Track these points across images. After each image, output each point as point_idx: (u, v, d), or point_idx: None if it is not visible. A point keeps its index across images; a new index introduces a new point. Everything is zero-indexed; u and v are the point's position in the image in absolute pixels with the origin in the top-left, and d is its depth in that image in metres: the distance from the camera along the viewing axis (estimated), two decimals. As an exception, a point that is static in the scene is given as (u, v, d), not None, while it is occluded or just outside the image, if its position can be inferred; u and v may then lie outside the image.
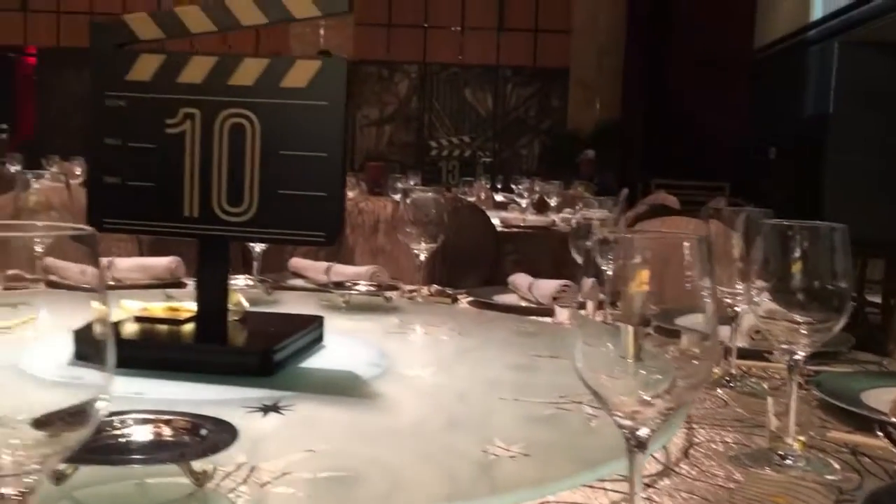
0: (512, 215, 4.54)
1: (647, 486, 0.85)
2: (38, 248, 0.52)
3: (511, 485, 0.83)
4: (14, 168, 5.17)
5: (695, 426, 1.06)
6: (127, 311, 1.32)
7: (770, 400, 1.05)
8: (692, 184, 9.71)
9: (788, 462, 0.92)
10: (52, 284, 0.53)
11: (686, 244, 0.66)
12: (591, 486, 0.83)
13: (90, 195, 1.24)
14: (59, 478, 0.74)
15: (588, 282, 0.67)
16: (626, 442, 0.67)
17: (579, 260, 1.71)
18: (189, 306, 1.32)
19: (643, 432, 0.66)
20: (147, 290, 1.78)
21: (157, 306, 1.35)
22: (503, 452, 0.90)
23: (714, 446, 0.99)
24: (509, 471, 0.86)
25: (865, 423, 1.05)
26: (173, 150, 1.20)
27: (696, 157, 10.81)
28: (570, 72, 12.26)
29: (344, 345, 1.37)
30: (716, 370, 1.25)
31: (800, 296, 0.92)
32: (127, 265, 1.99)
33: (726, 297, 1.24)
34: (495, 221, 3.91)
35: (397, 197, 4.19)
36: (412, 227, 1.93)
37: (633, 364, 0.66)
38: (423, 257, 1.94)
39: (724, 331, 1.22)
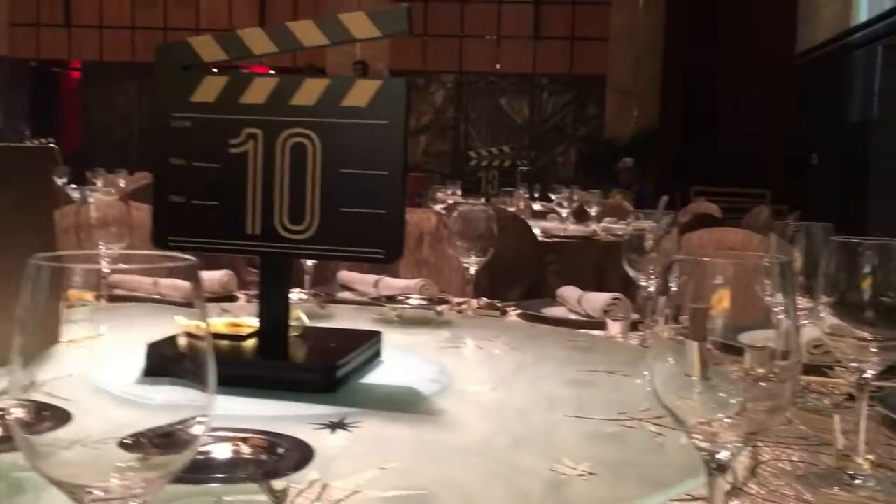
0: (552, 225, 4.53)
1: (719, 506, 0.84)
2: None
3: (584, 504, 0.83)
4: (60, 181, 5.27)
5: (760, 444, 1.05)
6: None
7: (836, 418, 1.04)
8: (732, 190, 9.61)
9: (858, 482, 0.91)
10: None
11: (766, 264, 0.66)
12: (663, 507, 0.83)
13: (156, 214, 1.26)
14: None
15: (661, 300, 0.67)
16: (706, 465, 0.67)
17: (632, 273, 1.70)
18: (249, 322, 1.34)
19: (723, 455, 0.66)
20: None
21: (218, 322, 1.37)
22: (571, 471, 0.90)
23: (781, 465, 0.98)
24: (580, 491, 0.86)
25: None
26: (237, 170, 1.22)
27: (735, 164, 10.70)
28: (607, 79, 12.23)
29: (401, 360, 1.39)
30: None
31: (868, 313, 0.91)
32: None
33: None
34: (536, 231, 3.91)
35: (437, 207, 4.21)
36: (462, 240, 1.94)
37: (709, 385, 0.66)
38: (472, 270, 1.95)
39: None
